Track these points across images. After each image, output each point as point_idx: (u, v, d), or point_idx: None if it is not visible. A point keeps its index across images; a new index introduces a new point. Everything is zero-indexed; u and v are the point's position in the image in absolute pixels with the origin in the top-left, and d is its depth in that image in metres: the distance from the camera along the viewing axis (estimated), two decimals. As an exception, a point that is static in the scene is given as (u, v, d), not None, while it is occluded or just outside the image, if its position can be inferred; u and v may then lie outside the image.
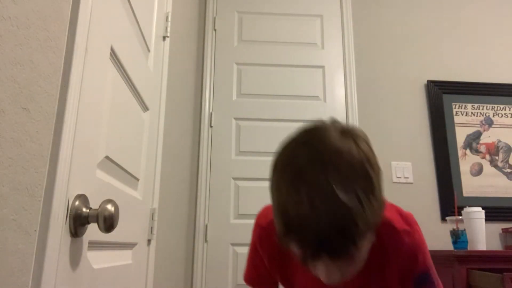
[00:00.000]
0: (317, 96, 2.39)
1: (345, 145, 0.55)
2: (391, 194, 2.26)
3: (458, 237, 1.92)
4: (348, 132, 0.57)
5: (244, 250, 2.14)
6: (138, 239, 1.06)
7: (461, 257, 1.81)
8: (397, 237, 0.68)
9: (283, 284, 0.83)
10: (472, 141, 2.39)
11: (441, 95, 2.43)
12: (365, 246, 0.55)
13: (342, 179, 0.51)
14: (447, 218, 2.04)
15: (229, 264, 2.11)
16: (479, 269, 1.78)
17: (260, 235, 0.81)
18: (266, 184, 2.22)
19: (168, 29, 1.39)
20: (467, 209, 2.00)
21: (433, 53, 2.53)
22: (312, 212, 0.51)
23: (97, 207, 0.65)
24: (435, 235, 2.21)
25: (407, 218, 0.70)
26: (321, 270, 0.56)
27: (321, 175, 0.51)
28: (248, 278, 0.90)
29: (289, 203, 0.53)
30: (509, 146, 2.41)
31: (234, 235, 2.15)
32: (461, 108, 2.44)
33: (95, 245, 0.75)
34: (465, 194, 2.29)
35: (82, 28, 0.65)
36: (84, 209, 0.64)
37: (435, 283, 0.71)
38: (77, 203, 0.64)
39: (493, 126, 2.43)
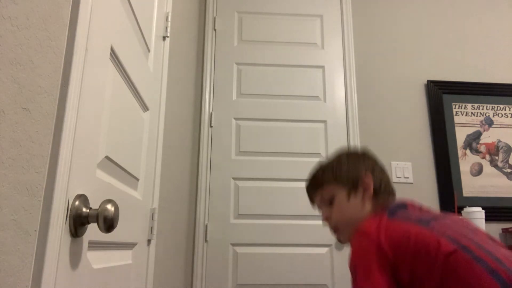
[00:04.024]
0: (317, 96, 2.40)
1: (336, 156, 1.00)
2: (391, 194, 2.26)
3: (458, 237, 1.92)
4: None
5: (244, 250, 2.14)
6: (138, 239, 1.06)
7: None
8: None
9: None
10: (472, 141, 2.39)
11: (441, 95, 2.43)
12: (329, 192, 0.94)
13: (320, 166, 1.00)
14: (447, 218, 2.03)
15: (229, 264, 2.11)
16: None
17: None
18: (266, 184, 2.22)
19: (168, 29, 1.39)
20: (467, 209, 2.00)
21: (433, 53, 2.53)
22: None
23: (97, 207, 0.65)
24: (435, 235, 2.21)
25: (361, 226, 0.84)
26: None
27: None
28: None
29: None
30: (509, 146, 2.41)
31: (234, 235, 2.15)
32: (461, 108, 2.44)
33: (95, 245, 0.75)
34: (465, 194, 2.29)
35: (82, 28, 0.65)
36: (84, 209, 0.64)
37: (356, 281, 0.77)
38: (77, 203, 0.64)
39: (493, 126, 2.43)
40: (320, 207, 0.97)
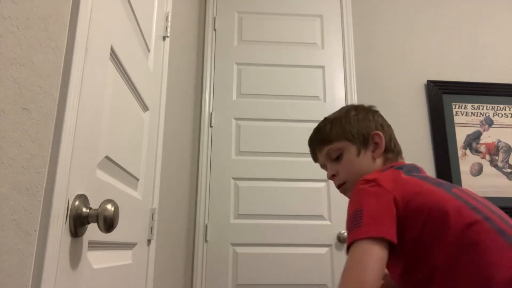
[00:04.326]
0: (317, 96, 2.39)
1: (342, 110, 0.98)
2: (391, 194, 2.26)
3: (458, 237, 1.92)
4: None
5: (244, 250, 2.14)
6: (138, 239, 1.06)
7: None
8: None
9: None
10: (472, 141, 2.39)
11: (441, 95, 2.43)
12: (337, 148, 0.91)
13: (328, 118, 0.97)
14: (447, 218, 2.04)
15: (229, 264, 2.11)
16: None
17: None
18: (266, 184, 2.22)
19: (168, 29, 1.39)
20: (467, 209, 2.00)
21: (433, 53, 2.53)
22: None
23: (97, 207, 0.65)
24: (435, 235, 2.21)
25: (373, 175, 0.81)
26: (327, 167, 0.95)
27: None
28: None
29: None
30: (509, 146, 2.41)
31: (234, 235, 2.15)
32: (461, 108, 2.44)
33: (95, 245, 0.75)
34: (465, 194, 2.29)
35: (82, 28, 0.65)
36: (84, 209, 0.64)
37: (353, 223, 0.73)
38: (77, 203, 0.64)
39: (493, 126, 2.43)
40: (324, 163, 0.94)
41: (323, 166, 0.96)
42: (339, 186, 0.91)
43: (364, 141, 0.89)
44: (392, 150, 0.91)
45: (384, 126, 0.94)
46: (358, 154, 0.89)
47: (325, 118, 0.96)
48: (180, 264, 1.89)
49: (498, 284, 0.61)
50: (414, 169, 0.83)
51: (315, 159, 0.97)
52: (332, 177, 0.92)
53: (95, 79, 0.73)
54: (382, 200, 0.73)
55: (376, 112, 0.97)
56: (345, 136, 0.90)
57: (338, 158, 0.90)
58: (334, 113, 0.97)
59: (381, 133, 0.90)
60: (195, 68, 2.32)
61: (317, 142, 0.94)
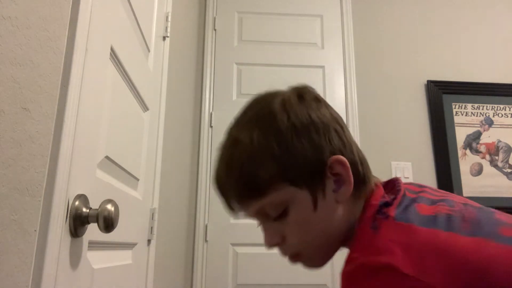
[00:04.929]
0: (317, 96, 2.39)
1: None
2: (391, 194, 2.26)
3: (458, 237, 1.92)
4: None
5: (244, 250, 2.14)
6: (138, 239, 1.06)
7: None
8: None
9: None
10: (472, 141, 2.39)
11: (441, 95, 2.43)
12: (278, 200, 0.53)
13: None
14: (447, 218, 2.04)
15: (229, 264, 2.11)
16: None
17: None
18: (266, 184, 2.22)
19: (168, 29, 1.39)
20: (467, 209, 2.00)
21: (433, 53, 2.53)
22: (218, 154, 0.58)
23: (97, 207, 0.65)
24: (435, 235, 2.21)
25: (370, 251, 0.46)
26: (262, 230, 0.58)
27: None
28: None
29: None
30: (509, 146, 2.41)
31: (234, 235, 2.15)
32: (461, 108, 2.44)
33: (95, 245, 0.75)
34: (465, 194, 2.29)
35: (82, 28, 0.65)
36: (84, 209, 0.64)
37: None
38: (77, 203, 0.64)
39: (493, 126, 2.43)
40: (260, 222, 0.57)
41: (260, 224, 0.58)
42: (290, 258, 0.57)
43: (318, 179, 0.53)
44: (361, 176, 0.55)
45: (341, 134, 0.55)
46: (315, 204, 0.53)
47: (234, 141, 0.55)
48: (180, 264, 1.89)
49: None
50: (407, 201, 0.51)
51: (231, 211, 0.58)
52: (275, 243, 0.56)
53: (95, 79, 0.73)
54: None
55: (319, 102, 0.57)
56: (288, 178, 0.52)
57: (281, 216, 0.54)
58: (248, 121, 0.55)
59: (342, 158, 0.53)
60: (195, 68, 2.32)
61: (234, 193, 0.54)
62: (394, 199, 0.52)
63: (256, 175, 0.52)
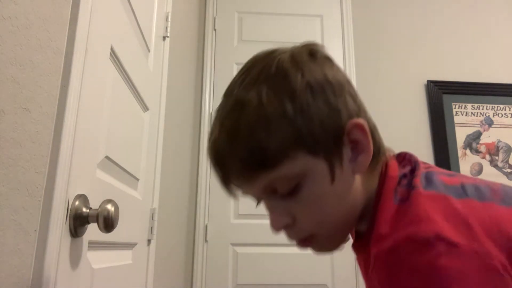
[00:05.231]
0: (317, 96, 2.39)
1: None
2: (391, 194, 2.26)
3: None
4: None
5: (244, 250, 2.14)
6: (138, 239, 1.06)
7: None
8: (374, 239, 0.45)
9: None
10: (472, 141, 2.39)
11: (441, 95, 2.43)
12: (291, 173, 0.45)
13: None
14: (447, 218, 2.04)
15: (229, 264, 2.11)
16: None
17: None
18: (266, 184, 2.22)
19: (168, 29, 1.39)
20: (467, 209, 2.00)
21: (433, 53, 2.53)
22: (213, 126, 0.49)
23: (97, 207, 0.65)
24: (435, 235, 2.21)
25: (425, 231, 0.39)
26: (268, 210, 0.49)
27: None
28: None
29: None
30: (509, 146, 2.41)
31: (234, 235, 2.15)
32: (461, 108, 2.44)
33: (95, 245, 0.75)
34: (465, 194, 2.29)
35: (82, 28, 0.65)
36: (84, 209, 0.64)
37: None
38: (77, 203, 0.64)
39: (493, 126, 2.43)
40: (259, 197, 0.49)
41: (251, 196, 0.50)
42: (300, 241, 0.50)
43: (335, 146, 0.46)
44: (376, 145, 0.49)
45: (355, 97, 0.49)
46: (332, 177, 0.46)
47: (240, 103, 0.46)
48: (180, 264, 1.89)
49: None
50: (426, 172, 0.47)
51: (230, 191, 0.49)
52: (285, 226, 0.48)
53: (95, 79, 0.73)
54: (499, 281, 0.37)
55: (331, 61, 0.50)
56: (304, 145, 0.44)
57: (292, 193, 0.46)
58: (252, 80, 0.47)
59: (362, 122, 0.46)
60: (195, 68, 2.32)
61: (239, 166, 0.46)
62: (413, 170, 0.47)
63: (268, 141, 0.44)
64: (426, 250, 0.38)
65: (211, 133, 0.49)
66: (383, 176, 0.49)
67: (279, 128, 0.44)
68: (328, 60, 0.50)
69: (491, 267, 0.37)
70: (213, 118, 0.51)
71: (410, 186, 0.45)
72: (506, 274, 0.37)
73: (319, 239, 0.49)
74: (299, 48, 0.50)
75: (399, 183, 0.47)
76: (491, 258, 0.37)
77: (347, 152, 0.47)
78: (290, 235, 0.49)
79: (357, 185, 0.48)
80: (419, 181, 0.45)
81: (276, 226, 0.48)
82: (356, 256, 0.55)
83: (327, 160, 0.45)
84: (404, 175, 0.48)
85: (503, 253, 0.38)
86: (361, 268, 0.55)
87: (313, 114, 0.45)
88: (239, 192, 0.49)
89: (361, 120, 0.46)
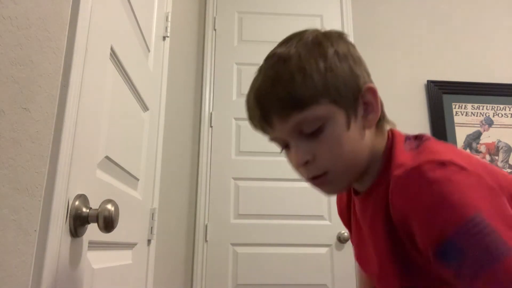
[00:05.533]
0: (317, 96, 2.39)
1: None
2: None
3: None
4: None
5: (244, 250, 2.14)
6: (138, 239, 1.07)
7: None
8: (394, 174, 0.54)
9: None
10: (472, 141, 2.39)
11: (441, 95, 2.43)
12: (317, 116, 0.57)
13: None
14: (447, 218, 2.03)
15: (229, 264, 2.11)
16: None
17: (337, 197, 0.84)
18: (267, 184, 2.22)
19: (168, 29, 1.39)
20: (467, 209, 2.00)
21: (433, 53, 2.53)
22: (255, 79, 0.61)
23: (97, 207, 0.65)
24: (435, 235, 2.21)
25: (429, 155, 0.52)
26: (292, 149, 0.60)
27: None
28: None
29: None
30: (509, 146, 2.41)
31: (234, 235, 2.15)
32: (461, 108, 2.44)
33: (95, 245, 0.75)
34: (465, 194, 2.29)
35: (82, 28, 0.65)
36: (84, 209, 0.64)
37: (466, 259, 0.44)
38: (77, 203, 0.64)
39: (493, 126, 2.43)
40: (284, 138, 0.60)
41: (278, 141, 0.62)
42: (314, 178, 0.60)
43: (353, 103, 0.59)
44: (382, 112, 0.63)
45: (369, 73, 0.64)
46: (348, 125, 0.58)
47: (283, 58, 0.58)
48: (180, 264, 1.89)
49: None
50: None
51: (264, 129, 0.61)
52: (305, 163, 0.59)
53: (95, 79, 0.73)
54: (498, 197, 0.47)
55: (354, 45, 0.64)
56: (330, 96, 0.56)
57: (315, 133, 0.58)
58: (292, 45, 0.59)
59: (375, 87, 0.61)
60: (195, 68, 2.32)
61: (277, 104, 0.57)
62: (416, 136, 0.62)
63: (303, 87, 0.55)
64: (443, 168, 0.49)
65: (254, 84, 0.61)
66: (391, 137, 0.63)
67: (313, 79, 0.56)
68: (351, 43, 0.64)
69: (492, 187, 0.48)
70: (254, 76, 0.62)
71: (420, 139, 0.60)
72: (503, 195, 0.48)
73: (330, 177, 0.59)
74: (330, 30, 0.64)
75: (405, 140, 0.61)
76: (492, 184, 0.48)
77: (360, 110, 0.60)
78: (307, 172, 0.60)
79: (366, 140, 0.61)
80: (428, 135, 0.60)
81: (299, 162, 0.59)
82: (352, 209, 0.73)
83: (346, 111, 0.58)
84: (409, 137, 0.62)
85: (505, 193, 0.49)
86: (355, 215, 0.71)
87: (339, 74, 0.57)
88: (270, 133, 0.61)
89: (373, 85, 0.60)
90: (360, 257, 0.73)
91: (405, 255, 0.55)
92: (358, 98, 0.59)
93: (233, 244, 2.15)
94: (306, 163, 0.59)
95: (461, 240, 0.44)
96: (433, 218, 0.47)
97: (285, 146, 0.62)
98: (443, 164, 0.49)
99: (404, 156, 0.57)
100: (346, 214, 0.79)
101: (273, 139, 0.62)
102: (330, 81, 0.56)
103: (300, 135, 0.58)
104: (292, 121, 0.57)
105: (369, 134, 0.61)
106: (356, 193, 0.69)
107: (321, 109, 0.56)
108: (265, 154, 2.27)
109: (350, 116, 0.58)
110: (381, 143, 0.63)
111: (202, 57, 2.41)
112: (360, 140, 0.60)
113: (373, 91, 0.60)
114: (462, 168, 0.49)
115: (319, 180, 0.60)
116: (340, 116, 0.57)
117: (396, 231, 0.55)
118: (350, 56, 0.59)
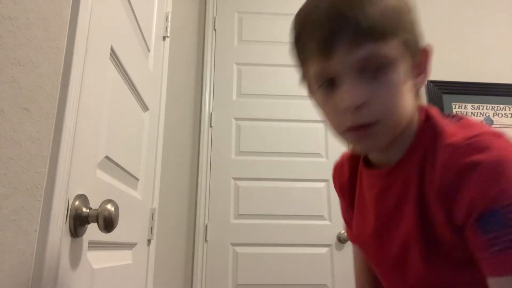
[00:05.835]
0: (317, 96, 2.39)
1: None
2: (391, 194, 2.26)
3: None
4: None
5: (244, 250, 2.14)
6: (138, 239, 1.07)
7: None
8: (440, 146, 0.53)
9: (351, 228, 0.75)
10: (472, 141, 2.39)
11: (441, 95, 2.43)
12: (389, 53, 0.51)
13: None
14: (447, 218, 2.03)
15: (229, 264, 2.11)
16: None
17: (334, 171, 0.79)
18: (266, 184, 2.22)
19: (168, 29, 1.39)
20: (467, 209, 2.00)
21: (433, 53, 2.53)
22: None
23: (97, 207, 0.65)
24: (435, 235, 2.21)
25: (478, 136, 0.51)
26: (344, 87, 0.53)
27: None
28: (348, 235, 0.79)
29: (303, 6, 0.61)
30: (509, 146, 2.41)
31: (234, 235, 2.15)
32: (461, 108, 2.44)
33: (95, 245, 0.75)
34: (465, 194, 2.29)
35: (82, 28, 0.65)
36: (84, 209, 0.64)
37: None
38: (77, 203, 0.64)
39: (493, 126, 2.43)
40: (340, 72, 0.53)
41: (323, 75, 0.55)
42: (361, 127, 0.53)
43: (416, 55, 0.56)
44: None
45: None
46: (408, 75, 0.55)
47: None
48: (180, 264, 1.89)
49: None
50: None
51: (320, 55, 0.53)
52: (360, 105, 0.52)
53: (95, 79, 0.73)
54: None
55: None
56: (404, 35, 0.53)
57: (377, 74, 0.52)
58: None
59: (431, 49, 0.59)
60: (195, 68, 2.32)
61: (353, 28, 0.50)
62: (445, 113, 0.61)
63: (386, 15, 0.51)
64: (498, 138, 0.50)
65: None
66: (424, 109, 0.60)
67: (397, 15, 0.52)
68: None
69: None
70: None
71: (454, 117, 0.59)
72: None
73: (379, 128, 0.53)
74: None
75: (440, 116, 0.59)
76: None
77: (416, 69, 0.57)
78: (356, 118, 0.53)
79: (413, 100, 0.57)
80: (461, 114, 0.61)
81: (355, 102, 0.52)
82: (358, 185, 0.69)
83: (412, 59, 0.55)
84: (442, 113, 0.60)
85: None
86: (361, 191, 0.68)
87: (416, 26, 0.56)
88: (323, 62, 0.53)
89: (431, 47, 0.58)
90: (359, 237, 0.70)
91: (432, 234, 0.54)
92: (417, 55, 0.56)
93: (233, 244, 2.15)
94: (358, 107, 0.52)
95: (510, 214, 0.45)
96: (491, 183, 0.47)
97: (329, 83, 0.54)
98: (497, 135, 0.51)
99: (453, 128, 0.55)
100: (347, 190, 0.74)
101: (319, 71, 0.54)
102: (410, 27, 0.54)
103: (361, 72, 0.52)
104: (362, 51, 0.51)
105: (413, 98, 0.57)
106: (369, 167, 0.64)
107: (394, 47, 0.52)
108: (265, 154, 2.27)
109: (412, 67, 0.55)
110: (415, 113, 0.59)
111: (202, 57, 2.41)
112: (410, 97, 0.55)
113: (429, 53, 0.58)
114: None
115: (367, 130, 0.53)
116: (405, 63, 0.53)
117: (428, 209, 0.54)
118: (418, 25, 0.58)
